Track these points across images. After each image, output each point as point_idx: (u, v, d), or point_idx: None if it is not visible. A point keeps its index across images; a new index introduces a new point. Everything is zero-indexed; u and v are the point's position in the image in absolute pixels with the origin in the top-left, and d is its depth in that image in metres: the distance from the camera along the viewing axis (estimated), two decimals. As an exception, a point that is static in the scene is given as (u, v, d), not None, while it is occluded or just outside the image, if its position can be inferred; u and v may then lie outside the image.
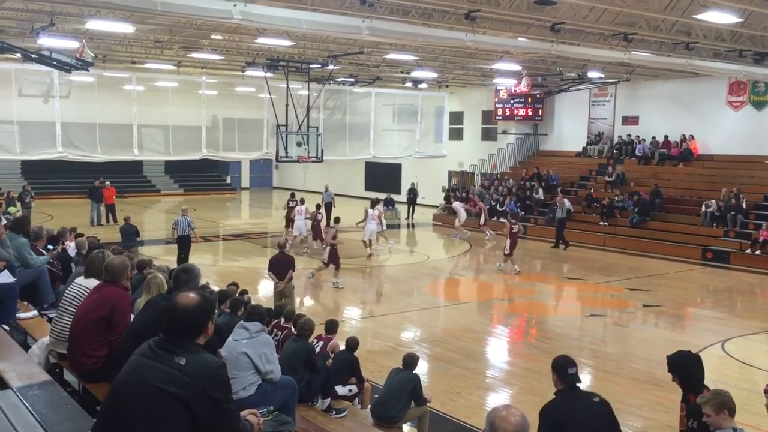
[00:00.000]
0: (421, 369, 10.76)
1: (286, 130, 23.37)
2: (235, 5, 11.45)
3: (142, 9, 11.88)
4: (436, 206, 31.08)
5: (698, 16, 13.97)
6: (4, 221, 10.68)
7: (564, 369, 4.97)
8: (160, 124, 25.63)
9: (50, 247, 10.06)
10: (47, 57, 17.25)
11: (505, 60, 21.53)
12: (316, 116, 26.03)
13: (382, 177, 36.13)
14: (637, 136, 27.23)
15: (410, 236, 27.82)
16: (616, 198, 24.83)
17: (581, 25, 15.22)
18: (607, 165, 27.09)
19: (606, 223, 24.42)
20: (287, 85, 23.45)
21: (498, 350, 13.00)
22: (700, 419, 4.66)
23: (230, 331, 6.14)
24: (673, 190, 24.78)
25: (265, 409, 5.00)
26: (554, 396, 4.98)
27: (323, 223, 21.72)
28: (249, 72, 24.48)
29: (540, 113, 30.28)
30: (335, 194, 27.68)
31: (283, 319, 8.73)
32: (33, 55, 17.77)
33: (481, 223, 24.69)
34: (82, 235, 12.63)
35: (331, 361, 8.01)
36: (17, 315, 6.92)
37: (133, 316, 5.36)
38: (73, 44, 16.96)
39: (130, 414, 3.10)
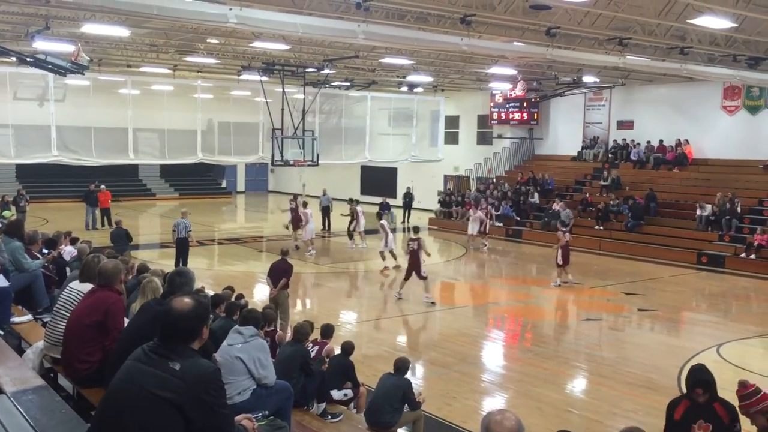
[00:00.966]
0: (417, 373, 10.79)
1: (282, 133, 23.38)
2: (230, 9, 11.46)
3: (137, 13, 11.86)
4: (432, 210, 31.10)
5: (693, 21, 14.01)
6: (-1, 225, 10.65)
7: None
8: (156, 127, 25.62)
9: (45, 251, 10.02)
10: (42, 60, 17.22)
11: (501, 64, 21.58)
12: (311, 120, 26.08)
13: (378, 181, 36.13)
14: (632, 141, 27.31)
15: (406, 240, 27.78)
16: (611, 202, 24.88)
17: (576, 29, 15.26)
18: (603, 169, 27.15)
19: (601, 228, 24.45)
20: (283, 88, 23.48)
21: (493, 354, 13.00)
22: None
23: (225, 336, 6.13)
24: (668, 194, 24.84)
25: (260, 414, 4.99)
26: None
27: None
28: (244, 76, 24.49)
29: (535, 117, 30.35)
30: (333, 198, 27.65)
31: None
32: (28, 59, 17.73)
33: (485, 231, 23.88)
34: (77, 239, 12.61)
35: (326, 365, 8.00)
36: (11, 319, 6.90)
37: (127, 321, 5.35)
38: (68, 48, 16.93)
39: (125, 419, 3.09)
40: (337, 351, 8.46)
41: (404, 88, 29.69)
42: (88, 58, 17.73)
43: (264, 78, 23.66)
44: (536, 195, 27.65)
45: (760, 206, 22.40)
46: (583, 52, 16.91)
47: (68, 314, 5.41)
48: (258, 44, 18.07)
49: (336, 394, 7.89)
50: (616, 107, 28.05)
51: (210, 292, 10.08)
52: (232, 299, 9.56)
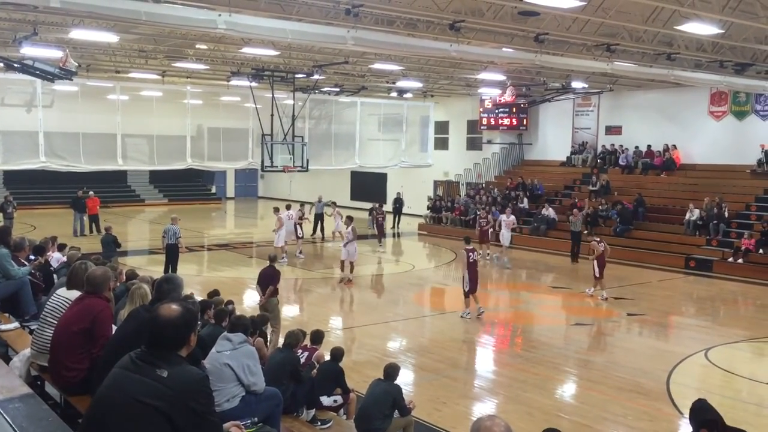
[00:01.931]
0: (407, 379, 10.77)
1: (272, 139, 23.34)
2: (219, 15, 11.42)
3: (126, 18, 11.81)
4: (422, 216, 31.13)
5: (680, 28, 14.13)
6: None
7: None
8: (145, 133, 25.46)
9: (32, 257, 9.95)
10: (30, 66, 17.13)
11: (490, 70, 21.67)
12: (301, 126, 26.03)
13: (368, 186, 36.14)
14: (621, 146, 27.45)
15: (396, 245, 27.81)
16: (600, 207, 24.96)
17: (564, 35, 15.35)
18: (591, 174, 27.27)
19: (587, 232, 24.45)
20: (272, 94, 23.46)
21: (484, 360, 13.01)
22: None
23: (214, 342, 6.10)
24: (657, 199, 24.98)
25: (249, 421, 4.98)
26: None
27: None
28: (234, 81, 24.45)
29: (524, 123, 30.47)
30: (326, 204, 27.60)
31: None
32: (16, 65, 17.65)
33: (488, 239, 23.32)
34: (64, 245, 12.53)
35: (316, 371, 7.97)
36: (-2, 327, 6.84)
37: (115, 327, 5.31)
38: (56, 53, 16.85)
39: (112, 427, 3.07)
40: (327, 357, 8.43)
41: (394, 94, 29.76)
42: (77, 64, 17.67)
43: (253, 84, 23.64)
44: (525, 200, 27.73)
45: (747, 211, 22.55)
46: (571, 58, 17.01)
47: (55, 321, 5.37)
48: (247, 50, 18.06)
49: (326, 400, 7.87)
50: (605, 113, 28.20)
51: (198, 299, 10.04)
52: (221, 303, 9.51)
